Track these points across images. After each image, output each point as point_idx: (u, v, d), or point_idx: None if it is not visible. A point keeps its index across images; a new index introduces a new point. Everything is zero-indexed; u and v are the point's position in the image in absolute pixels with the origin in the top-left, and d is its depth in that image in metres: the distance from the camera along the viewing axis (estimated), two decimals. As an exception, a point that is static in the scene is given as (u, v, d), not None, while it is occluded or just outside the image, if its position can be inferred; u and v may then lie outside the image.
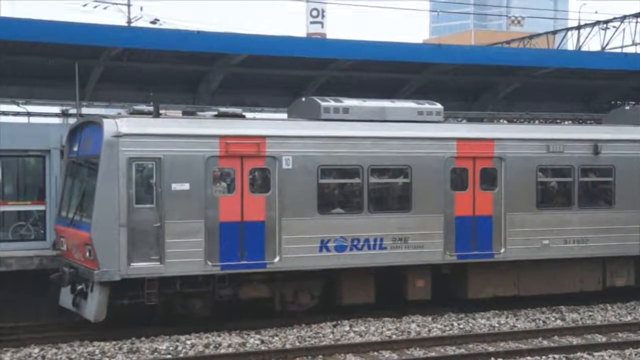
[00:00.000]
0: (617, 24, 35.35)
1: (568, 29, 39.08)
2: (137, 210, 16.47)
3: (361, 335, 17.07)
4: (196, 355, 15.39)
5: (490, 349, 16.18)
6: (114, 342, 16.18)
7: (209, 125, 17.46)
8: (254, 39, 22.88)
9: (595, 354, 15.71)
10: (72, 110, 22.51)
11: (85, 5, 52.67)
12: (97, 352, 15.52)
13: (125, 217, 16.29)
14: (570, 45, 39.69)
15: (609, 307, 20.32)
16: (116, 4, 51.96)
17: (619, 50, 34.63)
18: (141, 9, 66.33)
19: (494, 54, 28.31)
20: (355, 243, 18.12)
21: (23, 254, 18.78)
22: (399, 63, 23.67)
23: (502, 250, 19.39)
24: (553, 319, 19.05)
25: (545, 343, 16.82)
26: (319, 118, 18.51)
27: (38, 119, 23.28)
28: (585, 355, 15.60)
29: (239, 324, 17.63)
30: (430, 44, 36.13)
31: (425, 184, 18.74)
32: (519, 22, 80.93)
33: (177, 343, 16.15)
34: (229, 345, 16.06)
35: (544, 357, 15.46)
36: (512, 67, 25.44)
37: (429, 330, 17.62)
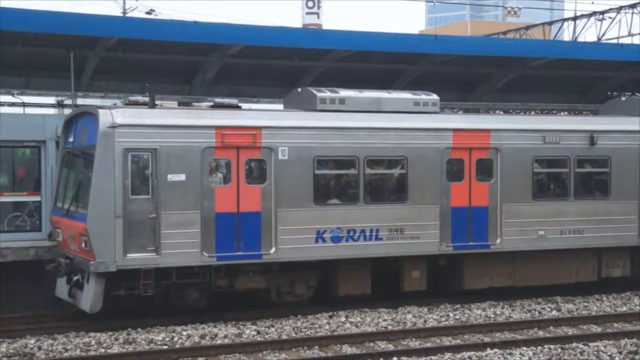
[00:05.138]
0: (613, 14, 35.31)
1: (564, 20, 39.04)
2: (133, 201, 16.45)
3: (357, 326, 17.08)
4: (192, 346, 15.40)
5: (486, 339, 16.20)
6: (109, 333, 16.18)
7: (204, 116, 17.43)
8: (250, 29, 22.85)
9: (591, 344, 15.73)
10: (68, 101, 22.47)
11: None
12: (93, 342, 15.52)
13: (121, 208, 16.27)
14: (567, 36, 39.65)
15: (605, 298, 20.37)
16: (111, -6, 51.82)
17: (615, 41, 34.61)
18: (136, -1, 66.06)
19: (490, 44, 28.27)
20: (351, 234, 18.12)
21: (19, 244, 18.76)
22: (395, 54, 23.65)
23: (498, 241, 19.41)
24: (549, 309, 19.10)
25: (540, 333, 16.87)
26: (315, 109, 18.49)
27: (33, 110, 23.24)
28: (580, 345, 15.63)
29: (235, 315, 17.64)
30: (426, 35, 36.04)
31: (422, 174, 18.74)
32: (515, 12, 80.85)
33: (173, 334, 16.15)
34: (225, 336, 16.07)
35: (539, 347, 15.49)
36: (508, 58, 25.44)
37: (425, 321, 17.65)
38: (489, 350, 15.22)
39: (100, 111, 16.65)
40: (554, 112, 28.14)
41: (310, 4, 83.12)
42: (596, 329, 17.32)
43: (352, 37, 23.25)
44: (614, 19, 35.22)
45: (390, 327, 17.03)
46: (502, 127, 19.72)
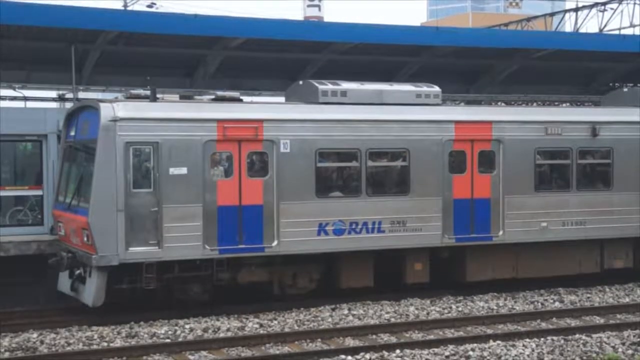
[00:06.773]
0: (615, 5, 35.23)
1: (566, 11, 38.92)
2: (135, 194, 16.45)
3: (360, 319, 17.09)
4: (195, 339, 15.41)
5: (489, 331, 16.21)
6: (112, 327, 16.20)
7: (206, 110, 17.40)
8: (251, 22, 22.77)
9: (594, 335, 15.73)
10: (69, 95, 22.45)
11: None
12: (95, 336, 15.53)
13: (122, 201, 16.27)
14: (568, 27, 39.57)
15: (607, 289, 20.35)
16: (112, -13, 51.75)
17: (617, 32, 34.52)
18: (138, -8, 65.83)
19: (492, 36, 28.19)
20: (353, 226, 18.12)
21: (21, 239, 18.78)
22: (397, 46, 23.59)
23: (501, 232, 19.40)
24: (551, 301, 19.09)
25: (543, 325, 16.87)
26: (316, 101, 18.46)
27: (35, 104, 23.22)
28: (583, 337, 15.63)
29: (238, 308, 17.64)
30: (428, 27, 35.95)
31: (424, 167, 18.72)
32: (516, 4, 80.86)
33: (176, 327, 16.17)
34: (228, 330, 16.08)
35: (542, 339, 15.48)
36: (510, 50, 25.36)
37: (428, 313, 17.65)
38: (491, 342, 15.21)
39: (102, 105, 16.64)
40: (556, 103, 28.09)
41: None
42: (599, 320, 17.32)
43: (353, 30, 23.18)
44: (615, 9, 35.15)
45: (392, 320, 17.04)
46: (504, 118, 19.69)
